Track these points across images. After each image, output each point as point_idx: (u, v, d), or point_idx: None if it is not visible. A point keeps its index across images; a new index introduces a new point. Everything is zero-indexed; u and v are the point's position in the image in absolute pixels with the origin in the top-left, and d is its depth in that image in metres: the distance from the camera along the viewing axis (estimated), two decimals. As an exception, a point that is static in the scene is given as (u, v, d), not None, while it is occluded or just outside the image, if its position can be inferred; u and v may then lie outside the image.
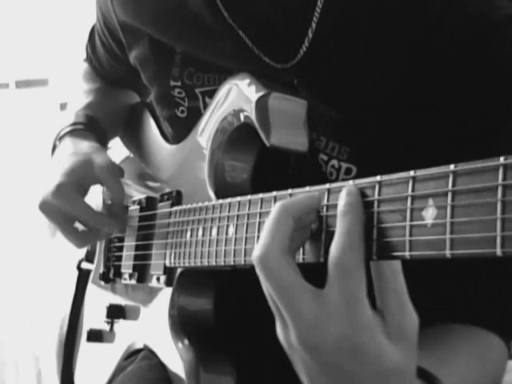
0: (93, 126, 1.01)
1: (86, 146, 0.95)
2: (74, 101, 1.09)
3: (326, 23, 0.72)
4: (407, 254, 0.46)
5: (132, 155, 1.08)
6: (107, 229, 0.92)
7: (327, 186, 0.55)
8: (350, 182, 0.52)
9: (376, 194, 0.50)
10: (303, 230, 0.54)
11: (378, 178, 0.50)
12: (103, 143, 1.00)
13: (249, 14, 0.77)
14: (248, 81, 0.74)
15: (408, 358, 0.51)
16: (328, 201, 0.54)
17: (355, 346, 0.49)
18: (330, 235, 0.52)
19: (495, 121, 0.67)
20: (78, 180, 0.89)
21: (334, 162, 0.75)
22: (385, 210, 0.49)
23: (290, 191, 0.59)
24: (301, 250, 0.56)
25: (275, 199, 0.60)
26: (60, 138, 0.99)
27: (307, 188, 0.57)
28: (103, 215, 0.94)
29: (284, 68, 0.75)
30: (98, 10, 1.00)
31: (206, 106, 0.84)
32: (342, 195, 0.51)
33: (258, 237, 0.62)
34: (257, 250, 0.52)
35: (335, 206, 0.52)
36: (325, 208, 0.54)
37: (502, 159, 0.41)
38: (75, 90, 1.12)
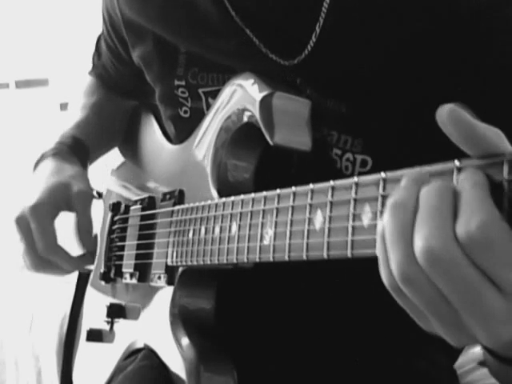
0: (77, 148, 1.03)
1: (67, 168, 0.97)
2: (69, 116, 1.11)
3: (334, 18, 0.72)
4: None
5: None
6: (60, 263, 0.95)
7: (331, 183, 0.53)
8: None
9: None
10: None
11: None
12: (85, 166, 1.03)
13: (256, 12, 0.77)
14: (252, 80, 0.74)
15: None
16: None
17: None
18: None
19: (504, 111, 0.67)
20: (53, 202, 0.93)
21: (349, 155, 0.74)
22: None
23: (293, 189, 0.59)
24: None
25: (278, 197, 0.60)
26: (43, 156, 1.01)
27: (311, 185, 0.57)
28: (64, 251, 0.95)
29: (291, 64, 0.75)
30: (103, 8, 1.00)
31: (208, 106, 0.85)
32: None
33: (261, 234, 0.62)
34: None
35: None
36: None
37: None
38: (73, 105, 1.14)
